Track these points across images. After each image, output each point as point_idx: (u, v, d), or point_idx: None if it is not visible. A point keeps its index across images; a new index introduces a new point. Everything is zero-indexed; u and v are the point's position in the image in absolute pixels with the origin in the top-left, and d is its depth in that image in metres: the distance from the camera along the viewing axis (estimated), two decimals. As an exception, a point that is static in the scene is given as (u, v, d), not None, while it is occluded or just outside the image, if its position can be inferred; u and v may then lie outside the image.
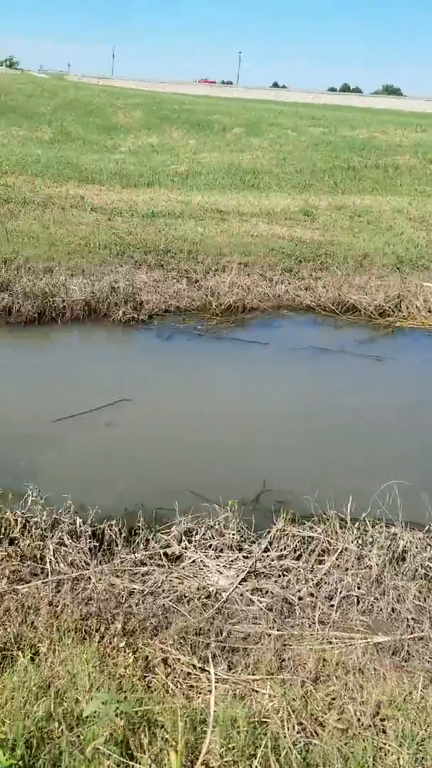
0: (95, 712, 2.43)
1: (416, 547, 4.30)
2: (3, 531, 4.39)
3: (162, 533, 4.51)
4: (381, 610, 3.84)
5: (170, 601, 3.71)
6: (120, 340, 9.45)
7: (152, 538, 4.41)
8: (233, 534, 4.47)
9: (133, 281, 10.18)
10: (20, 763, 2.25)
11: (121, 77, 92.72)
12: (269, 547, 4.42)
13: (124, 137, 26.53)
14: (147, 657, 3.12)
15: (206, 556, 4.31)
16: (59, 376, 7.87)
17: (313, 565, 4.24)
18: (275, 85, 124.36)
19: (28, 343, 9.09)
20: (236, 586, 3.99)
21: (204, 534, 4.49)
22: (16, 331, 9.12)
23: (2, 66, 64.26)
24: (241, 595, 3.96)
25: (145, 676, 3.00)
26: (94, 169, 18.50)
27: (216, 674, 3.12)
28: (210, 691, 2.93)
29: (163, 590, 3.84)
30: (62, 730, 2.47)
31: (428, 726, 2.84)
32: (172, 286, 10.42)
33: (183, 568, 4.19)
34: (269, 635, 3.53)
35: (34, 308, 9.40)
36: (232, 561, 4.28)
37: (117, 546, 4.36)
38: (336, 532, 4.44)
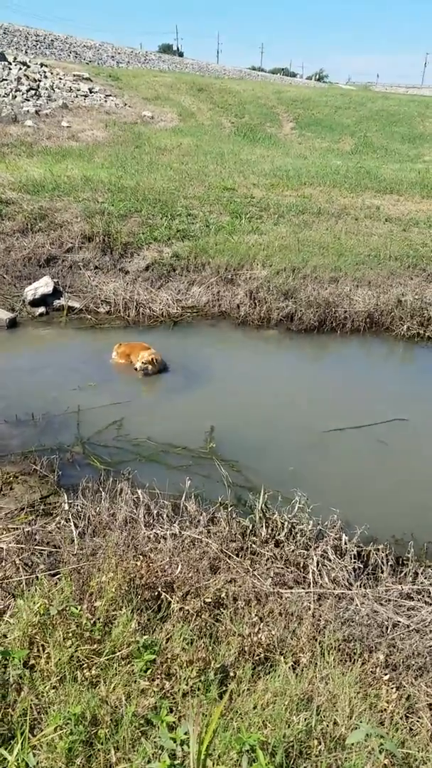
0: (358, 742, 2.36)
1: None
2: (270, 532, 4.58)
3: (434, 570, 4.23)
4: None
5: (439, 645, 3.44)
6: (401, 356, 9.14)
7: (422, 573, 4.16)
8: None
9: (423, 295, 9.75)
10: (279, 771, 2.29)
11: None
12: None
13: (429, 146, 25.62)
14: (410, 697, 2.93)
15: None
16: (334, 387, 7.91)
17: None
18: None
19: (307, 351, 9.31)
20: None
21: None
22: (296, 339, 9.42)
23: (312, 80, 67.13)
24: None
25: (408, 717, 2.81)
26: (393, 178, 18.20)
27: None
28: None
29: (431, 630, 3.58)
30: (321, 750, 2.46)
31: None
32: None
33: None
34: None
35: (316, 317, 9.61)
36: None
37: (382, 573, 4.22)
38: None
